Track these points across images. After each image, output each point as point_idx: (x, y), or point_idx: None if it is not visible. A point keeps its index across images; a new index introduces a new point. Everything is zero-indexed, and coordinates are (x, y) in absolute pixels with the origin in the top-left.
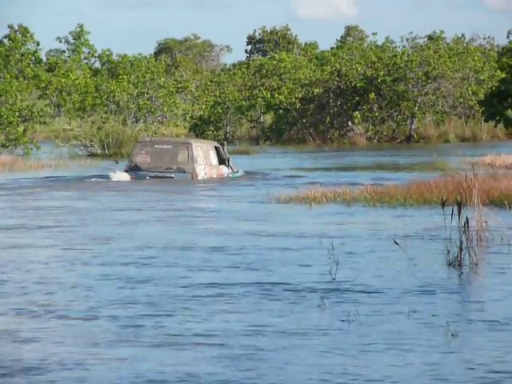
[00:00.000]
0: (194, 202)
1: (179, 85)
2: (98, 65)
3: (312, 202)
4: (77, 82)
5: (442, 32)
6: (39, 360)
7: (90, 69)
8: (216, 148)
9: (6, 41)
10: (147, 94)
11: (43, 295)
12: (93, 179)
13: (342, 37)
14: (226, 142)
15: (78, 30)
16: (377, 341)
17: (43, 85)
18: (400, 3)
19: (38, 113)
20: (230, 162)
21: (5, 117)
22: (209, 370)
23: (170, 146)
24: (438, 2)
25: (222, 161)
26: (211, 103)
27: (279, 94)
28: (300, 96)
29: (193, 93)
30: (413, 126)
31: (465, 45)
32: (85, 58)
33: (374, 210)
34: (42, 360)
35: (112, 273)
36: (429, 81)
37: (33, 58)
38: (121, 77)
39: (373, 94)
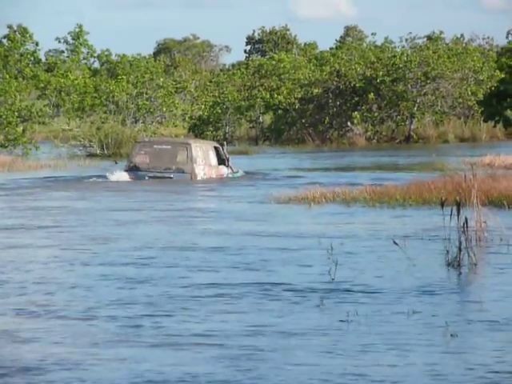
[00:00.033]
0: (193, 202)
1: (178, 85)
2: (97, 65)
3: (311, 203)
4: (76, 82)
5: (441, 32)
6: (38, 360)
7: (89, 69)
8: (215, 148)
9: (5, 41)
10: (146, 94)
11: (42, 295)
12: (91, 179)
13: (341, 37)
14: (225, 143)
15: (77, 30)
16: (376, 341)
17: (42, 85)
18: (399, 3)
19: (37, 113)
20: (230, 163)
21: (4, 117)
22: (208, 370)
23: (169, 147)
24: (437, 3)
25: (221, 161)
26: (210, 103)
27: (278, 95)
28: (299, 96)
29: (192, 93)
30: (412, 127)
31: (464, 45)
32: (84, 58)
33: (374, 211)
34: (41, 360)
35: (111, 273)
36: (428, 81)
37: (32, 58)
38: (120, 77)
39: (372, 94)
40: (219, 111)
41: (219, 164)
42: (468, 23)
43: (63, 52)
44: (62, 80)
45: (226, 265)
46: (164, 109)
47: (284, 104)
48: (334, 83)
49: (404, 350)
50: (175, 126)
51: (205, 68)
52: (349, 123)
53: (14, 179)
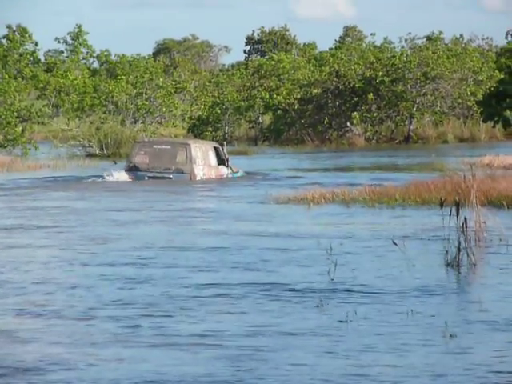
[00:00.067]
0: (193, 202)
1: (178, 85)
2: (96, 65)
3: (311, 203)
4: (75, 82)
5: (440, 32)
6: (37, 360)
7: (89, 69)
8: (215, 148)
9: (4, 41)
10: (146, 94)
11: (41, 295)
12: (91, 179)
13: (340, 37)
14: (225, 143)
15: (77, 30)
16: (375, 341)
17: (41, 85)
18: (398, 4)
19: (36, 113)
20: (230, 163)
21: (3, 117)
22: (208, 370)
23: (168, 147)
24: (437, 3)
25: (221, 161)
26: (210, 104)
27: (278, 95)
28: (298, 96)
29: (191, 93)
30: (411, 127)
31: (463, 45)
32: (83, 59)
33: (373, 211)
34: (40, 360)
35: (110, 273)
36: (427, 81)
37: (31, 59)
38: (119, 77)
39: (371, 94)
40: (218, 111)
41: (219, 164)
42: (467, 23)
43: (62, 52)
44: (62, 80)
45: (225, 265)
46: (163, 109)
47: (283, 104)
48: (334, 83)
49: (403, 350)
50: (175, 126)
51: (204, 68)
52: (348, 123)
53: (13, 179)
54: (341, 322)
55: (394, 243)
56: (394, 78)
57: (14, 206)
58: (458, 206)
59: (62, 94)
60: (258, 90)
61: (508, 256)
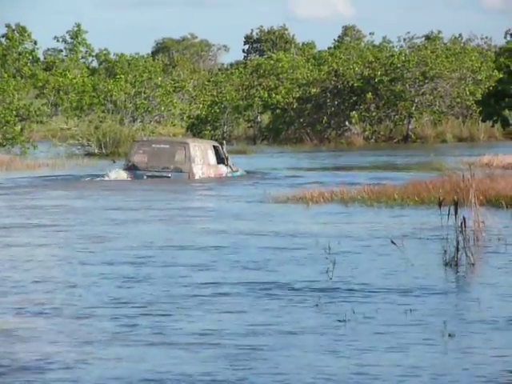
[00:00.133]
0: (191, 201)
1: (176, 84)
2: (95, 64)
3: (309, 202)
4: (74, 81)
5: (439, 32)
6: (36, 359)
7: (88, 68)
8: (215, 147)
9: (3, 40)
10: (144, 93)
11: (40, 294)
12: (89, 178)
13: (339, 37)
14: (224, 142)
15: (76, 29)
16: (374, 340)
17: (40, 84)
18: (397, 3)
19: (35, 112)
20: (230, 162)
21: (2, 116)
22: (206, 369)
23: (167, 146)
24: (436, 2)
25: (220, 160)
26: (208, 103)
27: (276, 94)
28: (297, 96)
29: (190, 92)
30: (410, 126)
31: (462, 45)
32: (82, 58)
33: (371, 210)
34: (38, 359)
35: (109, 272)
36: (426, 81)
37: (30, 57)
38: (118, 76)
39: (370, 93)
40: (217, 110)
41: (218, 163)
42: (466, 23)
43: (61, 51)
44: (61, 79)
45: (224, 264)
46: (162, 108)
47: (282, 103)
48: (332, 83)
49: (402, 349)
50: (173, 126)
51: (203, 67)
52: (347, 123)
53: (11, 178)
54: (340, 321)
55: (393, 242)
56: (392, 77)
57: (13, 204)
58: (456, 205)
59: (61, 92)
60: (257, 89)
61: (507, 255)
